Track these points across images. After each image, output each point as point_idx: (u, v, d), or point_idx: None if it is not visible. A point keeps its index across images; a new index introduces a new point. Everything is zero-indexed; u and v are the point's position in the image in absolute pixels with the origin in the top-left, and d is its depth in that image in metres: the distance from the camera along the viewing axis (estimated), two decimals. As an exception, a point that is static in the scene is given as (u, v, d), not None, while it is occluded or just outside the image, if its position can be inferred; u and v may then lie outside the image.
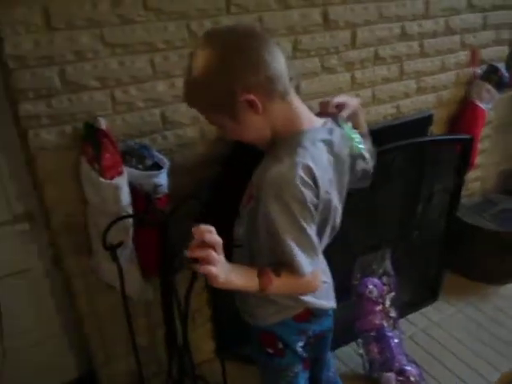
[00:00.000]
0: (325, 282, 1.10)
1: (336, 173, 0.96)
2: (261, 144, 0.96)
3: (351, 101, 1.08)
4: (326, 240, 1.01)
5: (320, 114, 1.02)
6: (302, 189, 0.84)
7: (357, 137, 1.04)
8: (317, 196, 0.88)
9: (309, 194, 0.86)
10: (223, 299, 1.64)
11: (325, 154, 0.93)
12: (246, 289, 0.91)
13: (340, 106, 1.05)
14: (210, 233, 0.80)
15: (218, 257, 0.80)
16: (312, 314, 1.08)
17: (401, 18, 1.63)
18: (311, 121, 0.95)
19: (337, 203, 0.97)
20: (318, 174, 0.87)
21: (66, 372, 1.75)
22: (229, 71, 0.83)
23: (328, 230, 0.99)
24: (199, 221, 1.36)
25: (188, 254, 0.79)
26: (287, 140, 0.91)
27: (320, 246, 0.98)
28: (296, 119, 0.92)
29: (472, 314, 1.96)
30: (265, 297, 0.98)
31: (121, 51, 1.19)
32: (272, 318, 1.06)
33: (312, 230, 0.89)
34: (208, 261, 0.79)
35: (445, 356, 1.76)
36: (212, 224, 1.26)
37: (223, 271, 0.81)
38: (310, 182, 0.86)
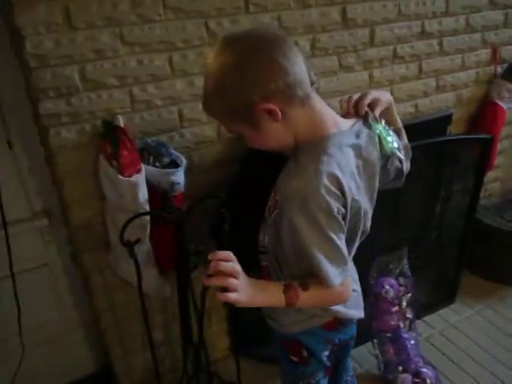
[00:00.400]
0: (354, 291, 1.06)
1: (365, 177, 0.92)
2: (284, 151, 0.92)
3: (383, 96, 1.00)
4: (355, 246, 0.98)
5: (348, 115, 0.96)
6: (328, 198, 0.80)
7: (390, 136, 0.98)
8: (344, 205, 0.84)
9: (335, 204, 0.82)
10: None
11: (352, 159, 0.88)
12: (272, 305, 0.90)
13: (372, 105, 0.97)
14: (227, 261, 0.78)
15: (238, 282, 0.79)
16: (340, 322, 1.05)
17: (420, 15, 1.61)
18: (337, 124, 0.90)
19: (367, 208, 0.94)
20: (344, 182, 0.83)
21: (83, 367, 1.78)
22: (247, 79, 0.79)
23: (358, 236, 0.95)
24: (219, 219, 1.38)
25: (205, 282, 0.78)
26: (311, 146, 0.86)
27: (350, 255, 0.94)
28: (320, 123, 0.87)
29: (490, 316, 1.93)
30: None
31: (140, 50, 1.19)
32: (299, 326, 1.03)
33: (341, 240, 0.85)
34: (226, 288, 0.77)
35: (462, 359, 1.73)
36: (231, 222, 1.28)
37: (245, 295, 0.80)
38: (336, 191, 0.82)
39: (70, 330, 1.69)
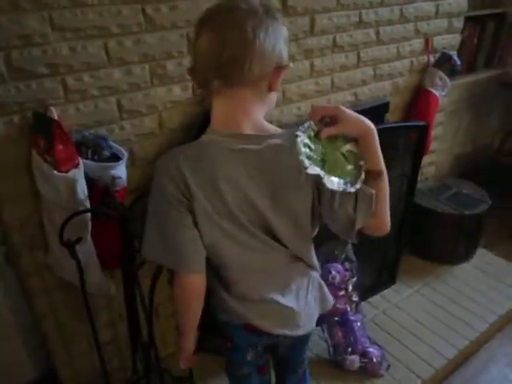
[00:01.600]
0: (275, 303, 0.98)
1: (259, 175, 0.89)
2: None
3: (358, 123, 0.81)
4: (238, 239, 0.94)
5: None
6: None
7: (308, 152, 0.78)
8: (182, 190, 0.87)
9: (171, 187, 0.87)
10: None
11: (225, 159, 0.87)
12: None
13: (333, 121, 0.81)
14: None
15: None
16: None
17: (358, 5, 1.64)
18: (228, 125, 0.89)
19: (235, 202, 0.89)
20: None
21: (22, 374, 1.68)
22: None
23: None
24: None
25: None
26: None
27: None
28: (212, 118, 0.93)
29: (429, 293, 2.04)
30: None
31: (72, 36, 1.12)
32: (221, 315, 1.03)
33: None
34: None
35: (404, 336, 1.82)
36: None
37: None
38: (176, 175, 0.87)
39: (7, 336, 1.59)
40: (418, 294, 2.04)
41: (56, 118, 1.10)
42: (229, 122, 0.89)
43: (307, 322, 1.04)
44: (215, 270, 0.99)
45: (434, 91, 2.00)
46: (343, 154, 0.81)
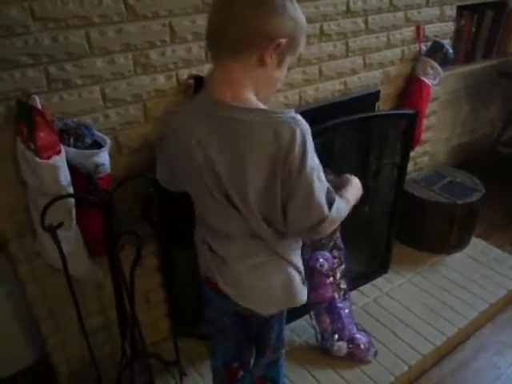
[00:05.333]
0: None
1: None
2: None
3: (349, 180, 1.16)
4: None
5: None
6: None
7: None
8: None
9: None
10: (178, 280, 1.66)
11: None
12: None
13: None
14: None
15: None
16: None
17: (345, -7, 1.64)
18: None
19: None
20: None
21: (19, 360, 1.73)
22: None
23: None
24: (147, 199, 1.36)
25: None
26: None
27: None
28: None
29: (420, 282, 2.05)
30: None
31: (53, 26, 1.14)
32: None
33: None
34: None
35: (394, 323, 1.83)
36: (160, 202, 1.28)
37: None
38: None
39: (3, 322, 1.63)
40: (409, 282, 2.05)
41: (39, 106, 1.13)
42: (213, 89, 0.94)
43: (260, 299, 1.08)
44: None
45: (425, 80, 2.00)
46: None
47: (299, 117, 0.89)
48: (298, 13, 0.90)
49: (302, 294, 1.11)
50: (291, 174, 0.88)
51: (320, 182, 0.92)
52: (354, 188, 1.12)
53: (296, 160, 0.87)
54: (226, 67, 0.91)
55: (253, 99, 0.93)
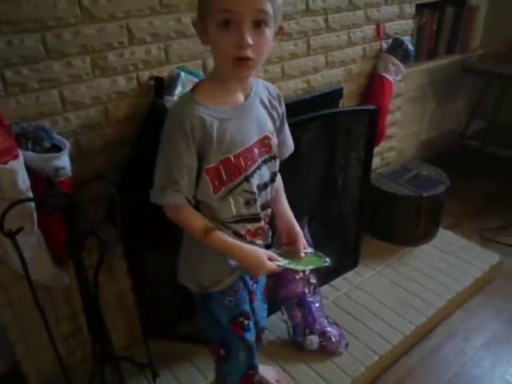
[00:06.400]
0: None
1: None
2: None
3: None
4: None
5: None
6: None
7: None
8: None
9: None
10: (147, 283, 1.66)
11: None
12: None
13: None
14: None
15: None
16: None
17: (304, -7, 1.67)
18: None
19: None
20: None
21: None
22: None
23: None
24: (110, 202, 1.36)
25: None
26: None
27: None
28: None
29: (390, 274, 2.09)
30: None
31: (8, 29, 1.13)
32: None
33: None
34: None
35: (365, 315, 1.87)
36: (122, 205, 1.27)
37: None
38: None
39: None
40: (379, 275, 2.09)
41: (-5, 111, 1.12)
42: None
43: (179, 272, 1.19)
44: None
45: (387, 76, 2.05)
46: None
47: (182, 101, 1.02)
48: None
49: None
50: None
51: (162, 167, 1.00)
52: (253, 258, 1.10)
53: None
54: None
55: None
